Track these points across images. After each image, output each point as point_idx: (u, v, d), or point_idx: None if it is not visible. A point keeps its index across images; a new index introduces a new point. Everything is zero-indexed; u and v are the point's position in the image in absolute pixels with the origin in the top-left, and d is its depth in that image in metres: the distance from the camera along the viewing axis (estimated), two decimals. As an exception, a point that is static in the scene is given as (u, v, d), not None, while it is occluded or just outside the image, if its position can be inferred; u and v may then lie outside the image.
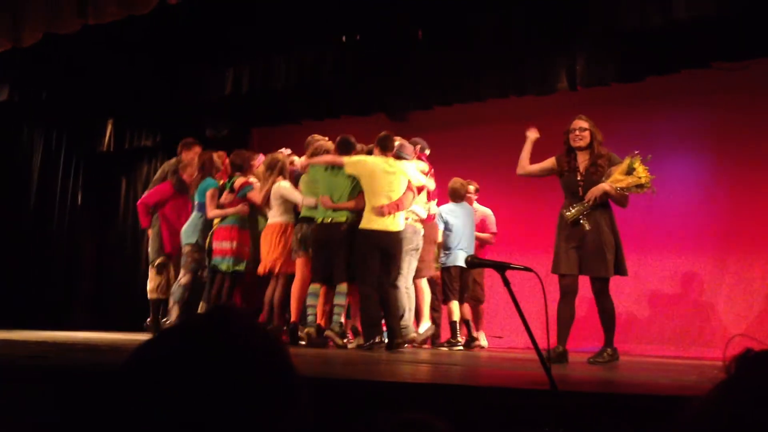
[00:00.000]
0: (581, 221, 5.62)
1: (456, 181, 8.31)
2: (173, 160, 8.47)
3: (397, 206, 6.74)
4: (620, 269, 5.76)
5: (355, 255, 6.81)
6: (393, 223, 6.76)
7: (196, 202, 7.73)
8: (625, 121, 8.88)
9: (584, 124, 5.98)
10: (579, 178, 5.80)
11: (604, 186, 5.64)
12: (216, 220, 7.62)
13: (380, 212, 6.71)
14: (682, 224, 8.49)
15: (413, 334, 7.25)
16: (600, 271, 5.65)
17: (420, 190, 7.33)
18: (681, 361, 7.00)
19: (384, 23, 8.19)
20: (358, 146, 7.38)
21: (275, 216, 7.37)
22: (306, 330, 6.97)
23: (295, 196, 7.30)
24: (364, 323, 6.82)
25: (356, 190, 6.95)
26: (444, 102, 8.96)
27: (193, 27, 8.32)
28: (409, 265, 7.21)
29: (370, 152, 7.19)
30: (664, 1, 6.56)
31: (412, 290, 7.33)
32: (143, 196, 8.50)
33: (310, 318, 7.00)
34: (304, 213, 7.20)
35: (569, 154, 5.97)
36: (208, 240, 7.62)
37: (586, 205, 5.63)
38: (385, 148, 7.04)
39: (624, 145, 8.89)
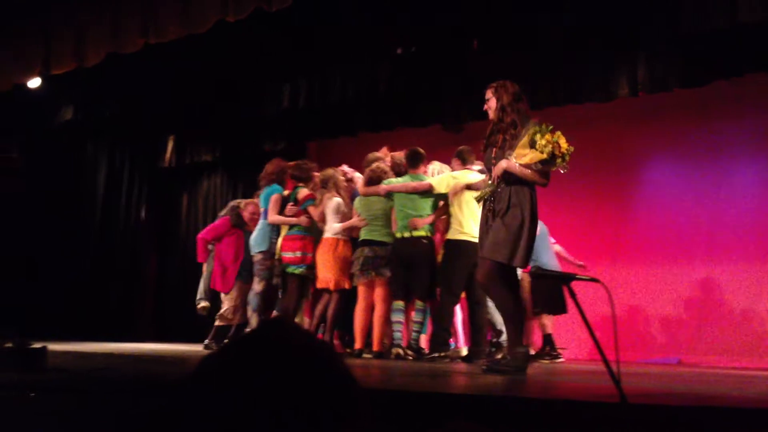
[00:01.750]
0: (489, 202, 4.97)
1: None
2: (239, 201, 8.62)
3: None
4: (514, 258, 4.83)
5: (444, 265, 6.80)
6: None
7: (261, 209, 7.83)
8: (689, 127, 8.73)
9: (489, 93, 5.25)
10: (493, 155, 5.07)
11: (502, 163, 4.89)
12: (283, 231, 7.66)
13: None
14: (751, 231, 8.27)
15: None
16: (484, 251, 4.91)
17: None
18: (753, 373, 6.80)
19: (439, 34, 8.18)
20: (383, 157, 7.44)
21: (329, 231, 7.37)
22: (395, 350, 6.82)
23: (330, 214, 7.34)
24: (435, 334, 6.80)
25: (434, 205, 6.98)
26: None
27: (250, 43, 8.43)
28: None
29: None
30: (729, 3, 6.41)
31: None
32: (203, 231, 8.62)
33: (397, 335, 6.88)
34: (364, 236, 7.16)
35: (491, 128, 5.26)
36: (277, 249, 7.66)
37: (491, 184, 4.99)
38: (465, 161, 7.10)
39: (688, 153, 8.79)
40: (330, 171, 7.70)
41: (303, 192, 7.58)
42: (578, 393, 3.81)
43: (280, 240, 7.68)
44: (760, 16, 6.28)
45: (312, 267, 7.42)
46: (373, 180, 7.18)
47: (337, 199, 7.42)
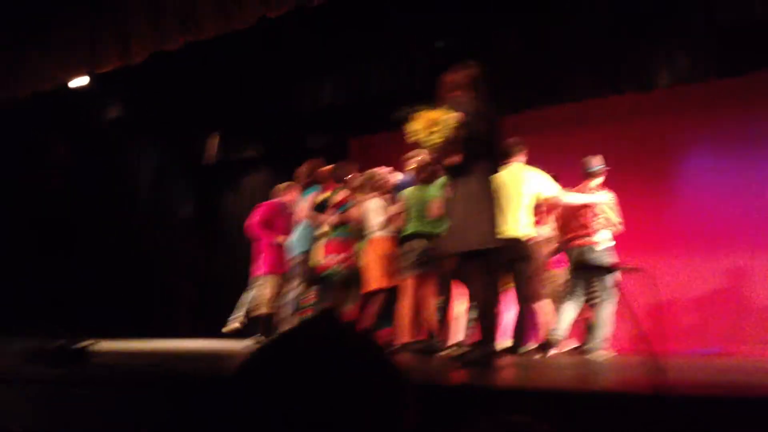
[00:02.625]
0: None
1: None
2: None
3: None
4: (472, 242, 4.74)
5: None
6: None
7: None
8: (728, 118, 8.65)
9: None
10: None
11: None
12: (324, 235, 7.65)
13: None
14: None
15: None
16: (457, 245, 4.82)
17: None
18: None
19: (478, 26, 8.18)
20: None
21: (374, 232, 7.33)
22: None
23: (372, 216, 7.29)
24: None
25: None
26: (540, 103, 8.89)
27: (291, 39, 8.50)
28: None
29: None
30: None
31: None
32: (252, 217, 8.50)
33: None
34: (414, 229, 7.01)
35: None
36: (317, 253, 7.63)
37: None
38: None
39: (728, 143, 8.70)
40: (369, 172, 7.60)
41: (339, 195, 7.55)
42: (616, 385, 3.83)
43: (319, 244, 7.64)
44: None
45: (355, 269, 7.39)
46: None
47: (378, 200, 7.35)
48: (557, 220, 7.36)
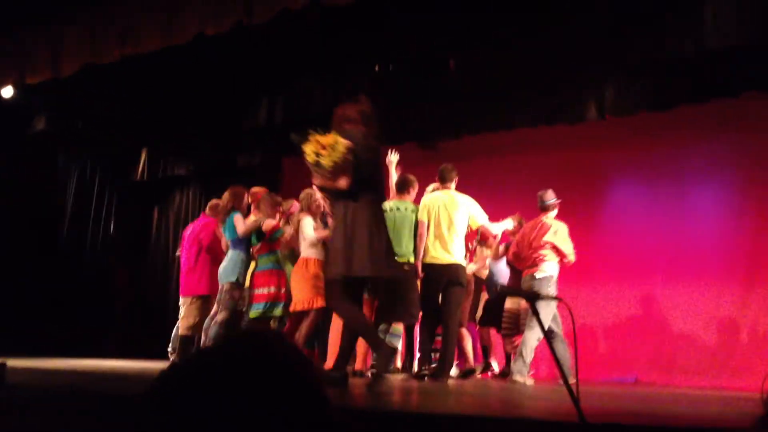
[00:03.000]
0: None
1: None
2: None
3: None
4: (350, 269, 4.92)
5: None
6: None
7: (229, 241, 7.61)
8: (654, 149, 8.92)
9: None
10: None
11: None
12: (252, 264, 7.59)
13: None
14: (708, 253, 8.45)
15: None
16: (341, 270, 4.97)
17: None
18: (708, 392, 6.91)
19: (416, 52, 8.25)
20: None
21: (302, 251, 7.34)
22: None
23: (309, 231, 7.29)
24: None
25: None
26: (474, 131, 9.00)
27: (227, 57, 8.44)
28: None
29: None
30: (696, 30, 6.54)
31: None
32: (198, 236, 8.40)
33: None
34: None
35: None
36: (247, 283, 7.56)
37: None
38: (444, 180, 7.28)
39: (652, 175, 8.95)
40: (306, 192, 7.56)
41: (268, 223, 7.46)
42: (539, 412, 3.87)
43: (250, 273, 7.59)
44: (725, 43, 6.42)
45: (277, 305, 7.33)
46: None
47: (311, 219, 7.35)
48: (513, 248, 7.50)
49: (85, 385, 4.83)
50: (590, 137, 9.00)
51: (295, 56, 8.46)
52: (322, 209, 7.43)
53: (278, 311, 7.37)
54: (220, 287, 7.56)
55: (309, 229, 7.22)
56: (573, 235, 7.76)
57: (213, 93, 9.46)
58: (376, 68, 8.62)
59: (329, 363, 6.84)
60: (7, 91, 8.75)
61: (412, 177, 7.39)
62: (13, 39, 7.93)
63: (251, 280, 7.54)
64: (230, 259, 7.58)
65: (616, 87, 7.74)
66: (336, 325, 6.85)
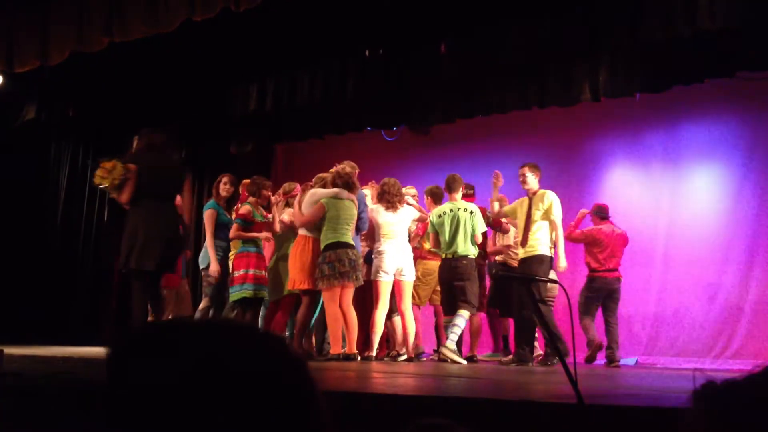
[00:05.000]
0: None
1: None
2: None
3: None
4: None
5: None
6: None
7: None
8: (650, 131, 8.89)
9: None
10: None
11: None
12: (233, 248, 7.58)
13: None
14: (706, 235, 8.43)
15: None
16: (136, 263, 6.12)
17: None
18: (708, 374, 6.91)
19: (407, 37, 8.20)
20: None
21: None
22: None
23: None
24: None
25: None
26: (466, 114, 8.96)
27: (217, 44, 8.39)
28: None
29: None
30: (689, 11, 6.51)
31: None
32: None
33: None
34: (336, 239, 7.02)
35: None
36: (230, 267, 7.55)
37: None
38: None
39: (647, 157, 8.93)
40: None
41: (243, 208, 7.49)
42: (536, 394, 3.86)
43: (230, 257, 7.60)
44: (719, 24, 6.40)
45: (261, 287, 7.36)
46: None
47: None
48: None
49: (82, 372, 4.81)
50: (584, 119, 8.96)
51: (285, 42, 8.40)
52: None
53: (263, 293, 7.39)
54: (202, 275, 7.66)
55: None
56: (568, 218, 7.77)
57: (203, 80, 9.40)
58: (367, 53, 8.58)
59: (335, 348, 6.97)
60: (-4, 81, 8.70)
61: (458, 176, 7.61)
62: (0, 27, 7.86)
63: (232, 264, 7.55)
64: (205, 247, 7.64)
65: (610, 69, 7.70)
66: (332, 309, 6.90)
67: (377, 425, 2.78)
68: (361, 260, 7.15)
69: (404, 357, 7.36)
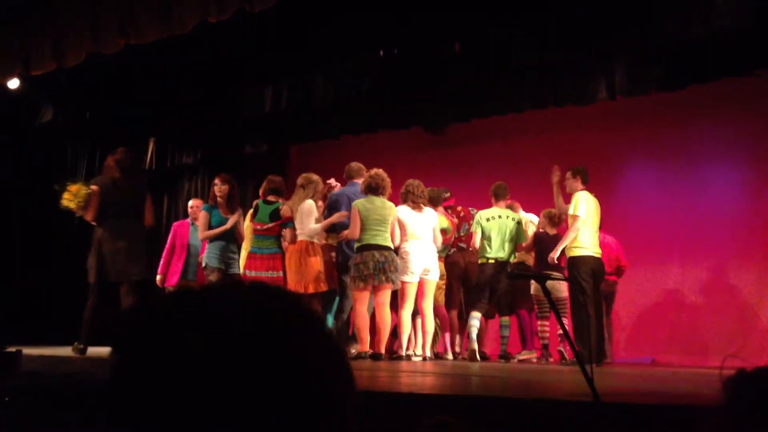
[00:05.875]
0: None
1: None
2: None
3: None
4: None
5: None
6: None
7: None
8: (666, 130, 8.84)
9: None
10: None
11: None
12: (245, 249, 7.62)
13: None
14: (724, 233, 8.38)
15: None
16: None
17: None
18: (725, 372, 6.86)
19: (421, 37, 8.20)
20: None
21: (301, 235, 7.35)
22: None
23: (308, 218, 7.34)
24: None
25: None
26: (482, 114, 8.93)
27: (232, 45, 8.42)
28: None
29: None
30: (705, 9, 6.48)
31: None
32: None
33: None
34: (369, 241, 7.05)
35: None
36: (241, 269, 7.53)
37: None
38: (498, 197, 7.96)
39: (666, 156, 8.88)
40: (313, 176, 7.63)
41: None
42: (554, 392, 3.85)
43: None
44: (734, 21, 6.36)
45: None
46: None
47: (310, 201, 7.41)
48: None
49: (99, 372, 4.83)
50: (601, 119, 8.91)
51: (299, 43, 8.42)
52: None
53: None
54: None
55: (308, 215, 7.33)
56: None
57: (218, 81, 9.44)
58: (381, 53, 8.59)
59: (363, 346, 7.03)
60: (14, 83, 8.76)
61: (505, 185, 8.02)
62: (16, 31, 7.92)
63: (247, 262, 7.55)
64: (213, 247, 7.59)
65: (626, 68, 7.64)
66: (358, 310, 7.03)
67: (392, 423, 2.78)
68: (397, 260, 7.14)
69: (420, 357, 7.36)
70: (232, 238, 7.53)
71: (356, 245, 7.07)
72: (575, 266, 7.16)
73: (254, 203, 7.64)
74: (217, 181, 7.80)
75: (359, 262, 6.96)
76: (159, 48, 7.54)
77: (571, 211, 7.27)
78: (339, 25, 8.00)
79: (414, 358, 7.34)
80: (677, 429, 2.59)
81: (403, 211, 7.36)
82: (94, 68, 8.15)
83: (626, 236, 8.53)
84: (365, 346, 6.97)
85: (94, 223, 6.85)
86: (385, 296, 6.98)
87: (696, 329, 8.43)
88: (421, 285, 7.33)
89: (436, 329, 7.67)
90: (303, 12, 7.63)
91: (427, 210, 7.49)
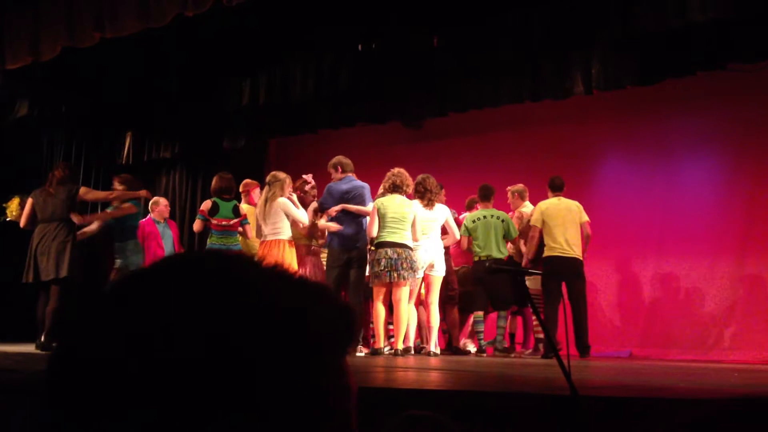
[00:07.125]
0: None
1: None
2: None
3: None
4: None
5: None
6: None
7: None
8: (641, 124, 8.90)
9: None
10: None
11: None
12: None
13: None
14: (699, 227, 8.47)
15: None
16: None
17: None
18: (701, 365, 6.96)
19: (399, 31, 8.20)
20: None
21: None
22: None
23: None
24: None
25: None
26: (459, 108, 8.95)
27: (209, 39, 8.37)
28: None
29: None
30: (681, 3, 6.53)
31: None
32: None
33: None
34: (387, 238, 7.11)
35: None
36: None
37: None
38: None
39: (641, 150, 8.94)
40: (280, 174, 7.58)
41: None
42: (530, 386, 3.87)
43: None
44: (710, 15, 6.41)
45: None
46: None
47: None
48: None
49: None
50: (577, 113, 8.97)
51: (277, 36, 8.39)
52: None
53: None
54: None
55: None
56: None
57: (195, 74, 9.39)
58: (359, 47, 8.58)
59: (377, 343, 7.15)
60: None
61: (490, 186, 8.21)
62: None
63: None
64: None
65: (602, 62, 7.68)
66: (374, 306, 7.14)
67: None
68: (413, 257, 7.12)
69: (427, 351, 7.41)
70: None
71: (375, 242, 7.14)
72: (543, 266, 7.48)
73: (209, 201, 7.63)
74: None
75: (373, 259, 7.08)
76: (136, 42, 7.49)
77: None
78: (317, 17, 7.98)
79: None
80: (654, 421, 2.62)
81: (414, 208, 7.38)
82: (70, 62, 8.08)
83: (602, 230, 8.60)
84: (380, 342, 7.09)
85: (27, 228, 7.48)
86: (401, 293, 7.01)
87: (674, 322, 8.51)
88: (426, 280, 7.43)
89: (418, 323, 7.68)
90: (280, 4, 7.60)
91: (438, 206, 7.52)
